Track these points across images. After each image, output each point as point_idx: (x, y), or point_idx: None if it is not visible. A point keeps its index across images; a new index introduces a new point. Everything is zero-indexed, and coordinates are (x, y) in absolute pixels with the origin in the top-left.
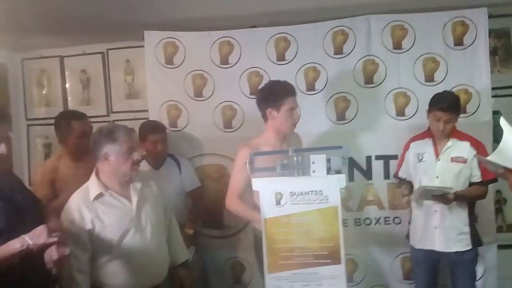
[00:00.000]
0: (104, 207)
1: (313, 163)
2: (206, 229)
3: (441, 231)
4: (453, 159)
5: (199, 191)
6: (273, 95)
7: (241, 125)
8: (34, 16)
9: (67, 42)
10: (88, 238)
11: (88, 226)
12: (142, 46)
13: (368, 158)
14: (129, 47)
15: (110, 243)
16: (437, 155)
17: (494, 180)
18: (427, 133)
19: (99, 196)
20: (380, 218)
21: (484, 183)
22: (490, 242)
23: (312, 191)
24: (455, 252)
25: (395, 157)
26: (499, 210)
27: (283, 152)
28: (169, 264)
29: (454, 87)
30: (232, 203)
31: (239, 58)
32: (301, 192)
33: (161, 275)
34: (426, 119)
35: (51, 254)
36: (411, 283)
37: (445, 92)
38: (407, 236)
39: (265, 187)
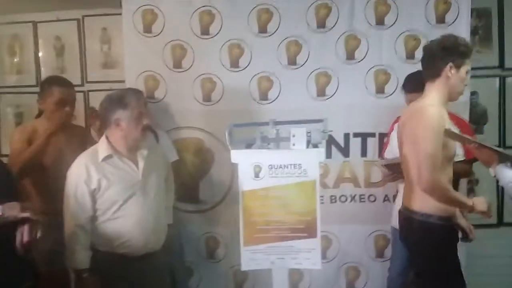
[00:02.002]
0: (111, 168)
1: (293, 136)
2: (181, 203)
3: None
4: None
5: (176, 165)
6: None
7: (220, 99)
8: None
9: (41, 7)
10: (91, 198)
11: (94, 185)
12: (120, 14)
13: (346, 136)
14: (106, 14)
15: (112, 204)
16: None
17: (476, 159)
18: None
19: (107, 157)
20: (355, 195)
21: (467, 161)
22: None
23: (291, 164)
24: None
25: (372, 135)
26: (470, 190)
27: (263, 124)
28: (166, 234)
29: None
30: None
31: (220, 29)
32: (280, 165)
33: (158, 242)
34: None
35: (23, 235)
36: (384, 261)
37: (413, 73)
38: (390, 218)
39: (244, 160)
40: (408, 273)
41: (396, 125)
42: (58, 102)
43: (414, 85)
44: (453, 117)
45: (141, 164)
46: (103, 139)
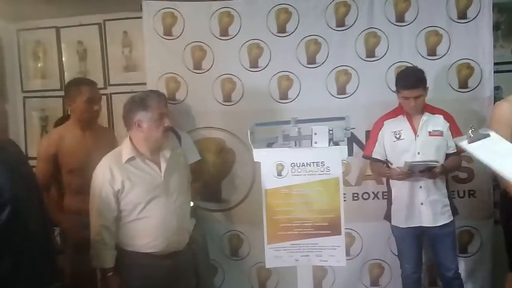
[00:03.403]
0: (135, 169)
1: (315, 134)
2: (204, 203)
3: (427, 207)
4: (431, 133)
5: (199, 165)
6: None
7: (240, 99)
8: None
9: (63, 13)
10: (115, 198)
11: (118, 186)
12: (140, 17)
13: (368, 133)
14: (127, 18)
15: (136, 205)
16: (414, 131)
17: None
18: (399, 110)
19: (131, 159)
20: (378, 192)
21: (458, 153)
22: (486, 217)
23: (314, 162)
24: (439, 225)
25: None
26: (496, 186)
27: (284, 123)
28: (189, 234)
29: (456, 61)
30: None
31: (239, 29)
32: (303, 163)
33: (182, 242)
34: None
35: None
36: None
37: (409, 68)
38: (386, 217)
39: (266, 158)
40: (420, 268)
41: (385, 123)
42: (87, 100)
43: (419, 80)
44: (441, 112)
45: (163, 166)
46: (126, 140)
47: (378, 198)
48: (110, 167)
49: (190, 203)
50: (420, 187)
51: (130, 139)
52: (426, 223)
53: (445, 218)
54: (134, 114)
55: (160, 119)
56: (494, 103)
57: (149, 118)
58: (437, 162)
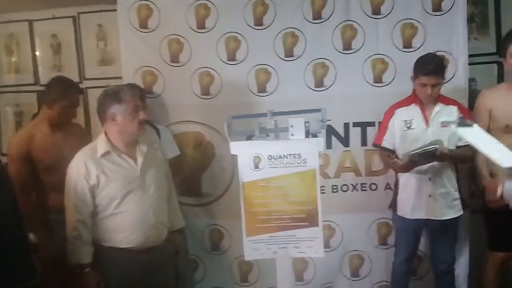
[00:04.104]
0: (110, 164)
1: (292, 126)
2: (184, 197)
3: (436, 199)
4: (443, 124)
5: (178, 159)
6: None
7: (218, 92)
8: None
9: (36, 6)
10: (91, 193)
11: (93, 181)
12: (115, 10)
13: (346, 125)
14: (101, 10)
15: (112, 200)
16: (426, 121)
17: None
18: (412, 99)
19: (106, 153)
20: (357, 184)
21: (471, 145)
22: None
23: (291, 154)
24: (446, 219)
25: (372, 124)
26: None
27: (261, 116)
28: (168, 228)
29: None
30: None
31: (216, 22)
32: (280, 155)
33: (159, 237)
34: (403, 86)
35: None
36: (387, 248)
37: (429, 54)
38: (392, 206)
39: (243, 151)
40: (413, 260)
41: (397, 111)
42: (69, 106)
43: (440, 67)
44: (456, 103)
45: (139, 160)
46: (102, 135)
47: (357, 190)
48: (85, 162)
49: (171, 198)
50: (429, 179)
51: (106, 133)
52: (433, 216)
53: (453, 212)
54: (107, 107)
55: (134, 112)
56: (468, 95)
57: (123, 111)
58: (435, 145)
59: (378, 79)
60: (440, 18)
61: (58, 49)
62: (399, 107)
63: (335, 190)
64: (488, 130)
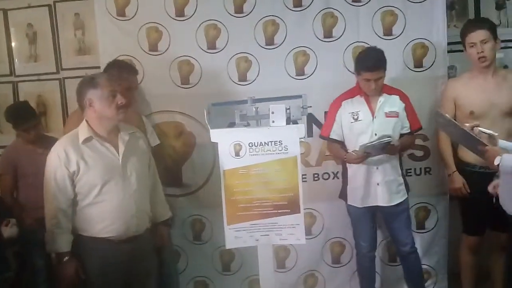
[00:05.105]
0: (90, 151)
1: (273, 113)
2: (165, 188)
3: (383, 187)
4: (387, 114)
5: (158, 149)
6: None
7: (198, 81)
8: None
9: None
10: (70, 180)
11: (73, 168)
12: None
13: (326, 114)
14: None
15: (92, 188)
16: (372, 112)
17: (420, 128)
18: (357, 91)
19: (87, 140)
20: (338, 172)
21: (413, 132)
22: (442, 193)
23: (272, 141)
24: (394, 204)
25: None
26: None
27: (242, 103)
28: (150, 218)
29: (411, 41)
30: None
31: (195, 10)
32: (261, 142)
33: (141, 227)
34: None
35: None
36: None
37: (370, 49)
38: (341, 196)
39: (224, 139)
40: (375, 246)
41: (344, 103)
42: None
43: (380, 62)
44: (397, 92)
45: (121, 148)
46: (83, 122)
47: (338, 178)
48: (65, 148)
49: (156, 188)
50: (377, 168)
51: (86, 120)
52: (382, 203)
53: (399, 196)
54: (84, 93)
55: (112, 97)
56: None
57: (99, 96)
58: (389, 137)
59: None
60: (420, 5)
61: (34, 38)
62: (345, 99)
63: (316, 178)
64: (455, 118)
